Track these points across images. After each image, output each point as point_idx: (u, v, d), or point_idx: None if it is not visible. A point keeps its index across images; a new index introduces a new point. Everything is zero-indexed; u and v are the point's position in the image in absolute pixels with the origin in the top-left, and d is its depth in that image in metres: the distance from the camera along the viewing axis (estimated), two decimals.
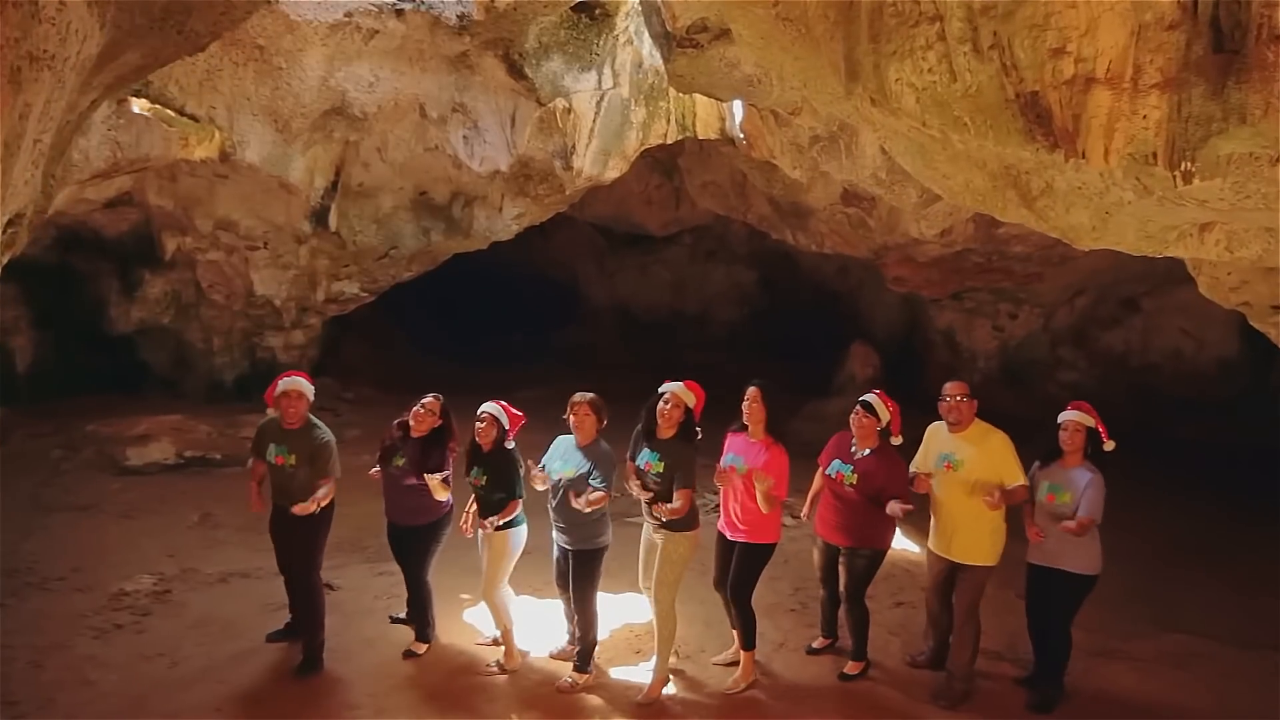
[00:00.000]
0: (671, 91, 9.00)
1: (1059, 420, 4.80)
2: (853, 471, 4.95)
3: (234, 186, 9.13)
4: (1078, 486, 4.65)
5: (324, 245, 9.81)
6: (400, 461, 5.13)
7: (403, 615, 5.51)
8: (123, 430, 8.71)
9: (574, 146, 8.92)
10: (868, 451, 4.97)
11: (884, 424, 4.98)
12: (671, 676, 5.02)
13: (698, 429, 4.90)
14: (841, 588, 5.19)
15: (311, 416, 5.10)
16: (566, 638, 5.29)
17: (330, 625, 5.23)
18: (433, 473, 4.97)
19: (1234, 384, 11.22)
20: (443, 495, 5.07)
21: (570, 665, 5.02)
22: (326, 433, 5.07)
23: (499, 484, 4.97)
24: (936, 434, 5.07)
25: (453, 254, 10.75)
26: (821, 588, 5.47)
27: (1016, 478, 4.74)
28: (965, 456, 4.80)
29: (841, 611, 5.32)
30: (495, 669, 5.06)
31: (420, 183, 9.85)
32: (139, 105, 7.68)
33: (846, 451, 5.08)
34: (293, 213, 9.37)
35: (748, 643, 5.01)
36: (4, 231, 3.37)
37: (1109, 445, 4.72)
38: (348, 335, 13.32)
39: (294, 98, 8.26)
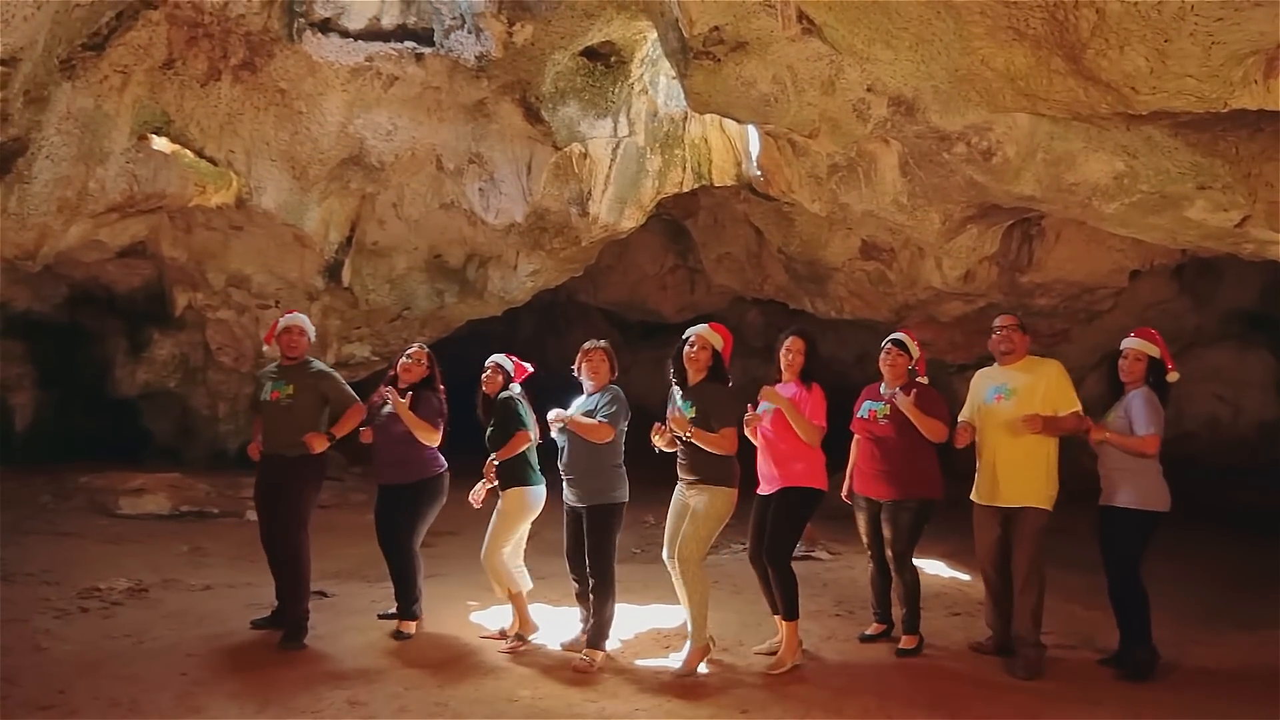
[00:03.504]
0: (687, 139, 9.06)
1: (1120, 348, 4.45)
2: (884, 405, 4.64)
3: (248, 239, 9.07)
4: (1125, 404, 4.29)
5: (336, 303, 9.67)
6: (388, 410, 4.78)
7: (392, 611, 4.97)
8: (117, 483, 8.31)
9: (590, 193, 8.89)
10: (898, 389, 4.65)
11: (914, 362, 4.72)
12: (711, 645, 4.42)
13: (728, 375, 4.59)
14: (886, 548, 4.68)
15: (310, 357, 4.84)
16: (580, 626, 4.71)
17: (318, 620, 4.71)
18: (424, 419, 4.65)
19: (1277, 448, 10.69)
20: (400, 405, 4.65)
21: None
22: (326, 366, 4.84)
23: (501, 427, 4.66)
24: (983, 375, 4.76)
25: (466, 320, 10.60)
26: (870, 561, 4.94)
27: (1071, 405, 4.35)
28: (1018, 385, 4.45)
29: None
30: (514, 642, 4.50)
31: (435, 244, 9.80)
32: (159, 143, 7.73)
33: (875, 393, 4.83)
34: (306, 268, 9.28)
35: (789, 611, 4.42)
36: None
37: (1173, 375, 4.38)
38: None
39: (312, 143, 8.31)
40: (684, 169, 9.10)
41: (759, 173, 8.62)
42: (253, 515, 8.20)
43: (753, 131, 8.45)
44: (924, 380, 4.83)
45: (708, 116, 8.98)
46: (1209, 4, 2.90)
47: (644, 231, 11.98)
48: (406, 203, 9.28)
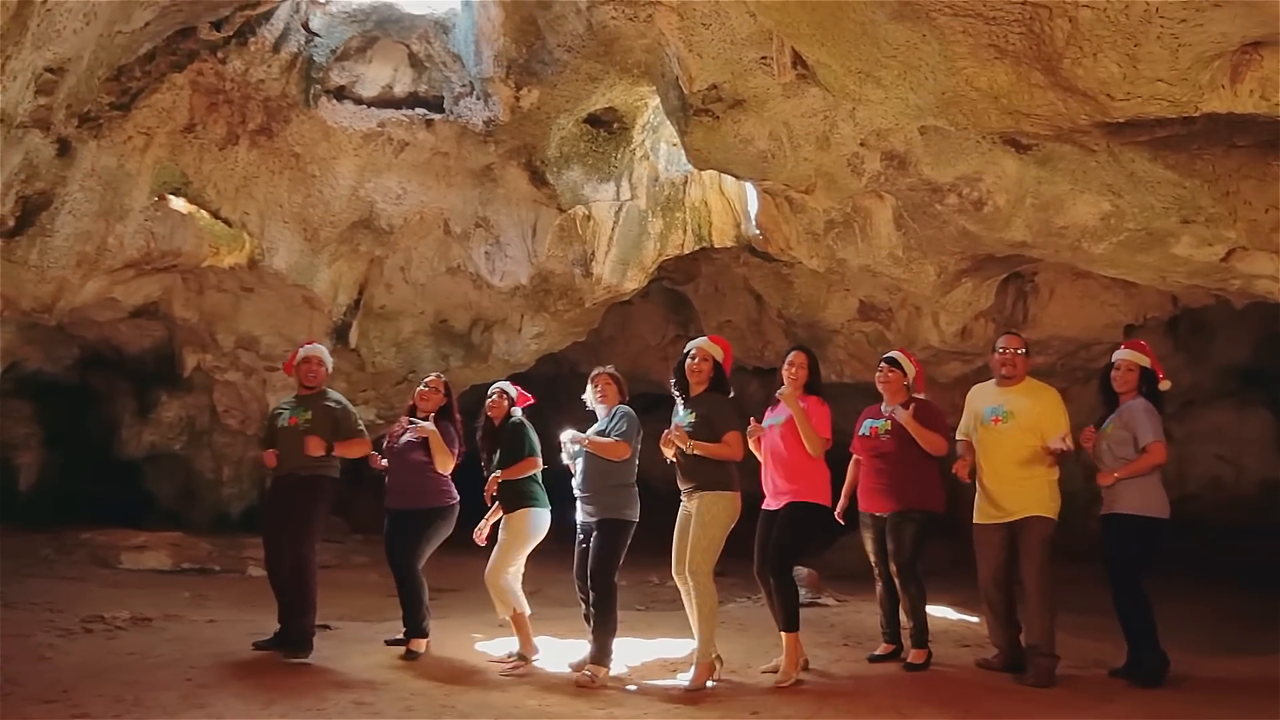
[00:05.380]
0: (688, 202, 9.35)
1: (1112, 360, 4.60)
2: (886, 421, 4.75)
3: (259, 301, 9.26)
4: (1124, 417, 4.39)
5: (342, 365, 9.77)
6: (407, 438, 4.89)
7: (398, 638, 4.93)
8: (119, 540, 8.33)
9: (593, 254, 9.12)
10: (898, 406, 4.76)
11: (909, 379, 4.85)
12: (717, 665, 4.36)
13: (729, 385, 4.73)
14: (890, 560, 4.70)
15: (327, 388, 4.96)
16: (588, 649, 4.67)
17: (323, 645, 4.68)
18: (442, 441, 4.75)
19: None
20: (430, 431, 4.72)
21: None
22: (343, 399, 4.96)
23: (511, 451, 4.73)
24: (980, 393, 4.89)
25: (470, 385, 10.69)
26: (878, 579, 4.94)
27: (1059, 430, 4.49)
28: (1017, 408, 4.56)
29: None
30: (514, 661, 4.46)
31: (441, 308, 10.00)
32: (177, 203, 8.00)
33: (876, 412, 4.94)
34: (315, 329, 9.42)
35: (789, 622, 4.40)
36: (40, 74, 3.36)
37: (1165, 384, 4.54)
38: (362, 492, 13.07)
39: (324, 206, 8.59)
40: (685, 231, 9.36)
41: (758, 231, 8.86)
42: (255, 571, 8.23)
43: (751, 191, 8.73)
44: (922, 396, 4.94)
45: (708, 180, 9.31)
46: (1172, 4, 3.13)
47: (645, 302, 12.17)
48: (414, 266, 9.51)
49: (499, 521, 4.92)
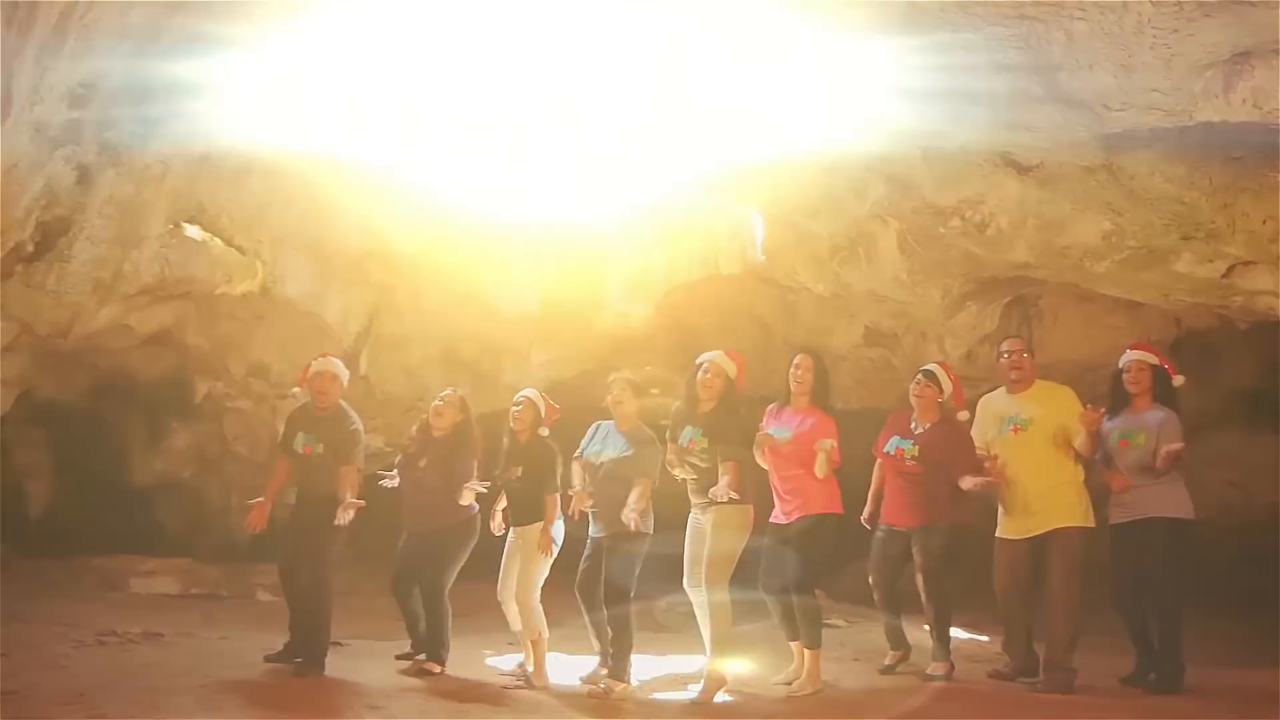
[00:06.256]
0: (695, 230, 9.46)
1: (1120, 365, 4.61)
2: (913, 445, 4.67)
3: (270, 329, 9.36)
4: (1151, 426, 4.36)
5: (352, 392, 9.71)
6: (423, 464, 4.88)
7: (408, 651, 4.93)
8: (128, 566, 8.40)
9: (602, 281, 9.23)
10: (929, 425, 4.71)
11: (946, 395, 4.78)
12: (726, 684, 4.36)
13: (739, 404, 4.71)
14: (918, 571, 4.65)
15: (343, 404, 4.94)
16: (598, 660, 4.68)
17: (333, 660, 4.69)
18: (464, 480, 4.73)
19: None
20: (468, 500, 4.76)
21: None
22: (357, 422, 4.91)
23: (535, 477, 4.70)
24: (993, 401, 4.83)
25: (478, 414, 10.74)
26: (874, 589, 4.89)
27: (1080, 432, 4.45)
28: (1033, 415, 4.51)
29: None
30: (520, 682, 4.45)
31: (450, 337, 10.09)
32: (192, 230, 8.13)
33: (905, 427, 4.82)
34: None
35: (812, 639, 4.38)
36: (74, 89, 3.48)
37: (1178, 380, 4.53)
38: (369, 521, 13.07)
39: (338, 235, 8.72)
40: (692, 258, 9.47)
41: (763, 257, 8.96)
42: (264, 596, 8.26)
43: (757, 217, 8.84)
44: (964, 413, 4.86)
45: (715, 208, 9.42)
46: (1164, 15, 3.24)
47: (652, 331, 12.21)
48: (424, 295, 9.62)
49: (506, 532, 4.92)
